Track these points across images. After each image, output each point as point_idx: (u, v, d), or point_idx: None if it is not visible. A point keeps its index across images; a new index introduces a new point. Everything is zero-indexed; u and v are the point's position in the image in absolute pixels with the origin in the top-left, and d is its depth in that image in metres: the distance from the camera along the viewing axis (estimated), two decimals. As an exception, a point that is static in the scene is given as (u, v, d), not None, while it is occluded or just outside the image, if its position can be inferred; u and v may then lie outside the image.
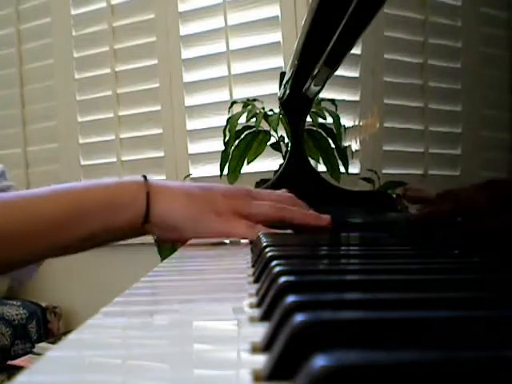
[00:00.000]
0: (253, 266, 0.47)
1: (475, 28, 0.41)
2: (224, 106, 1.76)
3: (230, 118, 1.56)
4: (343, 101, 0.84)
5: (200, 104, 1.96)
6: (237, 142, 1.51)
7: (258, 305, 0.30)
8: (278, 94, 1.01)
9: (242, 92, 1.85)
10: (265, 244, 0.48)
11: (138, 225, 0.59)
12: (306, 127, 0.93)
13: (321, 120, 0.91)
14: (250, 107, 1.55)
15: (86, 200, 0.59)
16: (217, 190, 0.63)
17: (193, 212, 0.60)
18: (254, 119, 1.51)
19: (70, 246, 0.60)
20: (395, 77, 0.60)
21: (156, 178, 2.25)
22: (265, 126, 1.51)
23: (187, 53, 1.98)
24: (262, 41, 1.85)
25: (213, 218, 0.60)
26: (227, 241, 0.66)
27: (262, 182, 1.32)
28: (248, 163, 1.51)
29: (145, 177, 0.61)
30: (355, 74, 0.75)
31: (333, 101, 0.85)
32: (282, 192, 0.69)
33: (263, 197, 0.65)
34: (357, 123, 0.73)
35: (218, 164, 1.54)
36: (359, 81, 0.74)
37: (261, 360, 0.20)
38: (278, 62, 1.81)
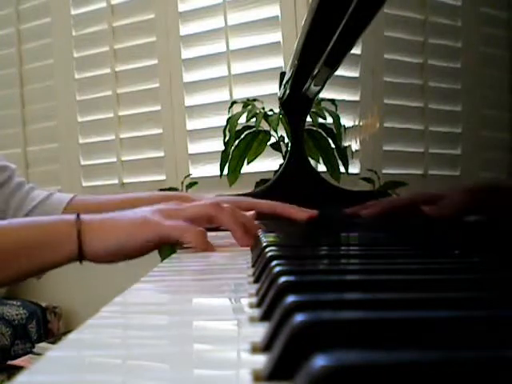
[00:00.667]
0: (253, 266, 0.47)
1: (475, 28, 0.41)
2: (224, 106, 1.76)
3: (229, 118, 1.56)
4: (343, 101, 0.84)
5: (200, 104, 1.96)
6: (237, 142, 1.51)
7: (258, 305, 0.30)
8: (278, 94, 1.01)
9: (242, 92, 1.85)
10: (265, 244, 0.48)
11: (76, 259, 0.62)
12: (306, 127, 0.93)
13: (321, 120, 0.91)
14: (250, 107, 1.55)
15: (22, 239, 0.62)
16: (149, 208, 0.65)
17: (124, 231, 0.62)
18: (254, 119, 1.51)
19: (7, 277, 0.63)
20: (395, 77, 0.60)
21: (156, 178, 2.23)
22: (265, 126, 1.51)
23: (187, 53, 1.98)
24: (262, 41, 1.85)
25: (140, 231, 0.61)
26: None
27: (262, 182, 1.32)
28: (248, 163, 1.51)
29: (78, 215, 0.63)
30: (355, 73, 0.75)
31: (333, 101, 0.85)
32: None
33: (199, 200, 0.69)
34: (357, 123, 0.73)
35: (218, 164, 1.54)
36: (359, 81, 0.74)
37: (261, 360, 0.20)
38: (278, 61, 1.81)
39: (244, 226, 0.65)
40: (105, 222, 0.63)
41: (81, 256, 0.62)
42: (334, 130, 0.86)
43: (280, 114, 1.45)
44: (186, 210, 0.65)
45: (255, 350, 0.22)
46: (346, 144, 0.80)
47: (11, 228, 0.63)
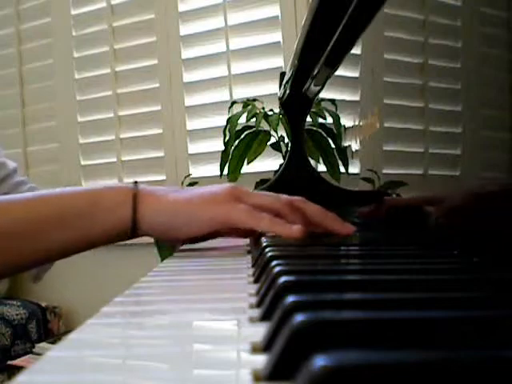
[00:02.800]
0: (253, 266, 0.47)
1: (475, 28, 0.41)
2: (224, 106, 1.76)
3: (229, 118, 1.56)
4: (343, 101, 0.84)
5: (200, 104, 1.96)
6: (237, 142, 1.51)
7: (258, 305, 0.30)
8: (278, 94, 1.01)
9: (242, 92, 1.85)
10: (265, 244, 0.48)
11: (127, 229, 0.58)
12: (306, 127, 0.93)
13: (321, 120, 0.91)
14: (250, 107, 1.55)
15: (67, 205, 0.58)
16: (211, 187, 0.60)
17: (183, 207, 0.57)
18: (254, 119, 1.51)
19: (52, 250, 0.58)
20: (395, 77, 0.60)
21: (156, 178, 2.23)
22: (265, 126, 1.51)
23: (187, 53, 1.98)
24: (262, 41, 1.85)
25: (206, 208, 0.57)
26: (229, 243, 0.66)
27: (262, 182, 1.32)
28: (248, 163, 1.51)
29: (135, 182, 0.59)
30: (355, 74, 0.75)
31: (333, 101, 0.85)
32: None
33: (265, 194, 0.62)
34: (357, 123, 0.73)
35: (218, 164, 1.54)
36: (359, 81, 0.74)
37: (261, 360, 0.20)
38: (277, 61, 1.81)
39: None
40: (167, 195, 0.58)
41: (134, 226, 0.57)
42: (334, 130, 0.86)
43: (280, 113, 1.45)
44: (257, 196, 0.59)
45: (255, 349, 0.22)
46: (346, 144, 0.80)
47: (54, 196, 0.58)
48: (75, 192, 0.60)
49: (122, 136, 2.11)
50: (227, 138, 1.53)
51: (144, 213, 0.57)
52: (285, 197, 0.60)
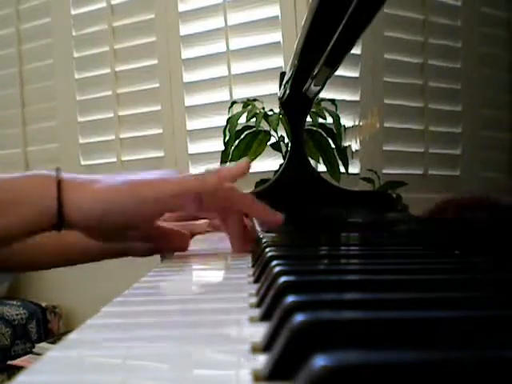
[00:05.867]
0: (253, 266, 0.47)
1: (475, 28, 0.41)
2: (224, 106, 1.76)
3: (229, 118, 1.56)
4: (343, 101, 0.84)
5: (200, 104, 1.96)
6: (237, 142, 1.51)
7: (258, 305, 0.30)
8: (278, 94, 1.01)
9: (242, 92, 1.85)
10: (265, 244, 0.48)
11: (52, 220, 0.51)
12: (306, 127, 0.93)
13: (321, 120, 0.91)
14: (250, 107, 1.55)
15: None
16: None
17: (121, 190, 0.51)
18: (254, 119, 1.51)
19: None
20: (395, 77, 0.60)
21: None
22: (265, 126, 1.51)
23: (187, 53, 1.98)
24: (262, 41, 1.85)
25: (150, 187, 0.51)
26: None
27: (262, 182, 1.32)
28: (248, 163, 1.51)
29: (58, 169, 0.53)
30: (355, 74, 0.75)
31: (333, 101, 0.85)
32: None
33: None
34: (357, 123, 0.73)
35: (218, 164, 1.54)
36: (359, 81, 0.74)
37: (261, 360, 0.20)
38: (278, 61, 1.81)
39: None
40: (97, 180, 0.52)
41: (60, 217, 0.51)
42: (334, 130, 0.86)
43: (280, 113, 1.45)
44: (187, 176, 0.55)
45: (255, 349, 0.22)
46: (346, 144, 0.80)
47: None
48: None
49: (121, 136, 2.11)
50: (227, 137, 1.53)
51: (71, 201, 0.51)
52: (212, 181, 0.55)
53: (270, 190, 0.99)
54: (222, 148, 1.55)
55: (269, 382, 0.19)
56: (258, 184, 1.43)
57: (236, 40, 1.89)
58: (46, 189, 0.51)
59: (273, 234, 0.67)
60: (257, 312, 0.28)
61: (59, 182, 0.51)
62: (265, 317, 0.27)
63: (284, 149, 1.53)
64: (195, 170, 1.93)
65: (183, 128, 1.98)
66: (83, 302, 2.00)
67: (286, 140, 1.52)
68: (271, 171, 1.47)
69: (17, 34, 2.31)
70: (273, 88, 1.56)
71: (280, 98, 0.99)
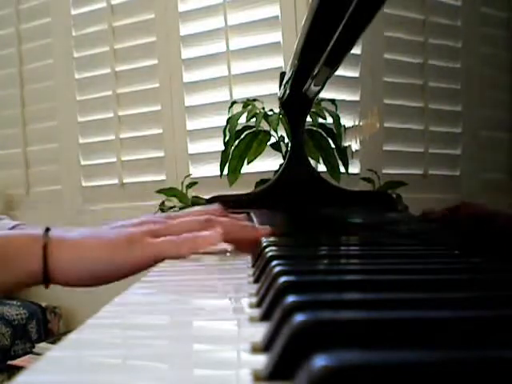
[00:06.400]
0: (253, 266, 0.47)
1: (475, 28, 0.41)
2: (224, 106, 1.76)
3: (229, 118, 1.56)
4: (343, 101, 0.84)
5: (200, 104, 1.96)
6: (237, 142, 1.51)
7: (258, 305, 0.30)
8: (278, 94, 1.01)
9: (242, 92, 1.84)
10: (265, 244, 0.48)
11: (37, 280, 0.54)
12: (306, 127, 0.93)
13: (321, 120, 0.91)
14: (250, 107, 1.55)
15: None
16: (126, 224, 0.58)
17: (103, 252, 0.54)
18: (254, 119, 1.51)
19: None
20: (395, 77, 0.60)
21: (156, 178, 2.20)
22: (265, 126, 1.51)
23: (187, 53, 1.98)
24: (262, 41, 1.85)
25: (129, 250, 0.54)
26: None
27: (262, 182, 1.32)
28: (248, 163, 1.51)
29: (47, 229, 0.55)
30: (355, 73, 0.75)
31: (333, 101, 0.85)
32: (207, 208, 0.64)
33: (182, 216, 0.60)
34: (357, 123, 0.73)
35: (218, 164, 1.54)
36: (359, 81, 0.74)
37: (261, 360, 0.20)
38: (278, 61, 1.81)
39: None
40: (81, 241, 0.55)
41: (46, 278, 0.54)
42: (334, 130, 0.86)
43: (280, 113, 1.45)
44: (173, 226, 0.57)
45: (255, 349, 0.22)
46: (346, 144, 0.80)
47: None
48: None
49: (121, 136, 2.11)
50: (227, 137, 1.53)
51: (56, 264, 0.54)
52: (201, 217, 0.58)
53: (270, 190, 0.99)
54: (222, 148, 1.54)
55: (269, 382, 0.19)
56: (257, 184, 1.43)
57: (236, 40, 1.89)
58: (32, 250, 0.53)
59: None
60: (257, 312, 0.28)
61: (45, 244, 0.53)
62: (265, 317, 0.27)
63: (284, 149, 1.53)
64: (195, 169, 1.94)
65: (183, 128, 1.98)
66: (83, 302, 2.00)
67: (286, 140, 1.52)
68: (271, 171, 1.47)
69: (17, 34, 2.31)
70: (273, 88, 1.56)
71: (280, 98, 0.99)
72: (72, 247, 0.54)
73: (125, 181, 2.11)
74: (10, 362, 1.83)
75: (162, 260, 0.53)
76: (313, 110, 0.92)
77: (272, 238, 0.57)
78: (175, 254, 0.53)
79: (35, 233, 0.55)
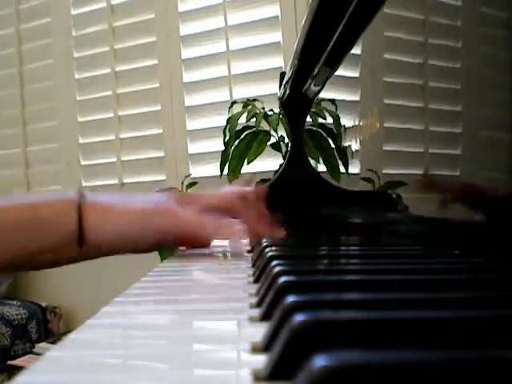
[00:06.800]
0: (253, 266, 0.47)
1: (475, 28, 0.41)
2: (224, 106, 1.76)
3: (229, 118, 1.56)
4: (343, 101, 0.84)
5: (200, 104, 1.96)
6: (237, 142, 1.51)
7: (258, 305, 0.30)
8: (278, 94, 1.01)
9: (242, 92, 1.84)
10: (265, 244, 0.48)
11: (72, 244, 0.53)
12: (306, 127, 0.93)
13: (321, 120, 0.91)
14: (250, 107, 1.55)
15: (5, 219, 0.53)
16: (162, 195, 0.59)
17: (133, 216, 0.54)
18: (254, 119, 1.51)
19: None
20: (395, 77, 0.60)
21: (156, 178, 2.21)
22: (265, 126, 1.51)
23: (187, 53, 1.98)
24: (262, 41, 1.85)
25: (155, 217, 0.54)
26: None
27: (262, 182, 1.32)
28: (248, 163, 1.51)
29: (80, 191, 0.55)
30: (355, 73, 0.75)
31: (333, 101, 0.85)
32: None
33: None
34: (357, 123, 0.73)
35: (218, 164, 1.54)
36: (359, 81, 0.74)
37: (261, 360, 0.20)
38: (278, 61, 1.81)
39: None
40: (113, 205, 0.55)
41: (80, 240, 0.53)
42: (334, 130, 0.86)
43: (280, 113, 1.45)
44: (205, 197, 0.59)
45: (255, 349, 0.22)
46: (346, 144, 0.80)
47: None
48: (14, 205, 0.55)
49: (121, 136, 2.11)
50: (227, 137, 1.53)
51: (91, 225, 0.53)
52: (236, 192, 0.61)
53: (270, 190, 0.99)
54: (222, 148, 1.55)
55: (269, 382, 0.19)
56: (257, 184, 1.43)
57: (236, 40, 1.89)
58: (66, 211, 0.53)
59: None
60: (257, 312, 0.28)
61: (79, 205, 0.53)
62: (265, 317, 0.27)
63: (284, 149, 1.53)
64: (195, 169, 1.94)
65: (183, 128, 1.98)
66: (83, 302, 2.00)
67: (286, 140, 1.52)
68: (271, 171, 1.47)
69: (17, 34, 2.31)
70: (273, 88, 1.56)
71: (280, 98, 0.99)
72: (105, 210, 0.54)
73: (125, 181, 2.11)
74: (10, 362, 1.83)
75: (185, 234, 0.55)
76: (313, 110, 0.92)
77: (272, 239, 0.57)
78: (198, 231, 0.55)
79: (69, 197, 0.55)
